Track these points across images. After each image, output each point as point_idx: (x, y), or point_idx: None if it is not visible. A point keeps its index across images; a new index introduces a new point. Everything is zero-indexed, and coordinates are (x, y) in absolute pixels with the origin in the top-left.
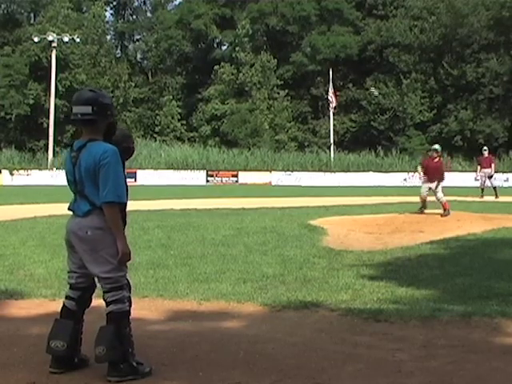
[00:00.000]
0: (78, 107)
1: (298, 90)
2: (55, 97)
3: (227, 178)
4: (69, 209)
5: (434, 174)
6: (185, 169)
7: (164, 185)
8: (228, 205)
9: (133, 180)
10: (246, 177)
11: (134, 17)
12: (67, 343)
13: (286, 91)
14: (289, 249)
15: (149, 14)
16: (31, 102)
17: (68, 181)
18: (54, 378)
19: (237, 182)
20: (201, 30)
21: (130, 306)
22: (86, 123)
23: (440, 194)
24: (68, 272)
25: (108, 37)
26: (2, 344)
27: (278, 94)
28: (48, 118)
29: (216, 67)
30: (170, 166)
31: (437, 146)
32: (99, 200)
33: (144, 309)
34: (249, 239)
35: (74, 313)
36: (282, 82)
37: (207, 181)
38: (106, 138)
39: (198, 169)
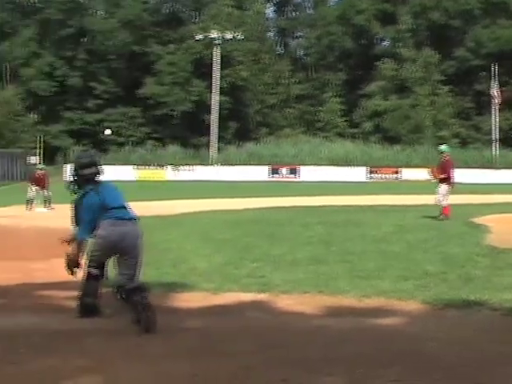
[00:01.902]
0: (90, 169)
1: (460, 86)
2: (219, 93)
3: (389, 175)
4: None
5: (439, 174)
6: (346, 165)
7: (325, 181)
8: (389, 201)
9: (295, 176)
10: (408, 173)
11: (296, 13)
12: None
13: (449, 87)
14: (451, 246)
15: (310, 11)
16: (195, 98)
17: None
18: (213, 370)
19: (398, 178)
20: (362, 25)
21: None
22: (94, 180)
23: (441, 197)
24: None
25: (269, 34)
26: (166, 336)
27: (441, 89)
28: (210, 114)
29: (377, 63)
30: (331, 163)
31: (442, 147)
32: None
33: (304, 304)
34: (410, 236)
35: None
36: (445, 78)
37: (369, 177)
38: None
39: (358, 165)
